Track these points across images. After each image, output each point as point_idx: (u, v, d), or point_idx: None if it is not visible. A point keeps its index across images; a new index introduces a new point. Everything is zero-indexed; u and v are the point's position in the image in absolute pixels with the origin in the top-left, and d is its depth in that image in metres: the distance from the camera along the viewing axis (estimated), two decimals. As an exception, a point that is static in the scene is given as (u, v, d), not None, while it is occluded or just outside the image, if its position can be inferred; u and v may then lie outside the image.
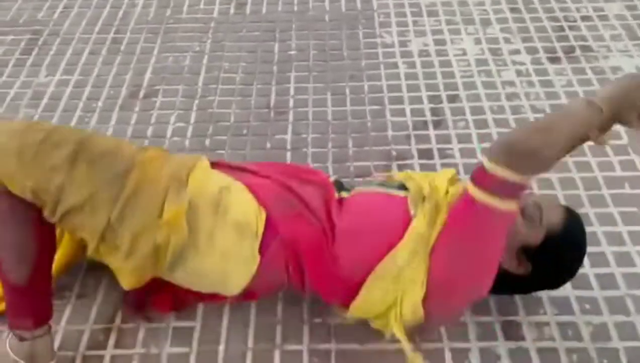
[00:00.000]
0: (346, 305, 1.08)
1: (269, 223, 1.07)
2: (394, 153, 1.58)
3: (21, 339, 1.05)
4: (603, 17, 2.02)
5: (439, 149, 1.59)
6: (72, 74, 1.86)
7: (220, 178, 1.10)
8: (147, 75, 1.86)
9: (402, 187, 1.12)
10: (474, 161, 1.55)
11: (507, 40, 1.95)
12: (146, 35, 2.02)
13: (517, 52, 1.90)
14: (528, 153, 0.93)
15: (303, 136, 1.65)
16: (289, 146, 1.61)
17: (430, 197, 1.06)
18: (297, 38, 2.00)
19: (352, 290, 1.06)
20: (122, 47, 1.96)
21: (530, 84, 1.78)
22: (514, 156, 0.93)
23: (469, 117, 1.68)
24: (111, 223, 1.01)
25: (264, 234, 1.06)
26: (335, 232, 1.07)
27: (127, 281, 1.06)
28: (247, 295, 1.11)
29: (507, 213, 0.96)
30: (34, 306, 1.05)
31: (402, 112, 1.70)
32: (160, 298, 1.18)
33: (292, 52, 1.94)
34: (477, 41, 1.95)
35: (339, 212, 1.09)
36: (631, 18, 2.01)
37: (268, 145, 1.62)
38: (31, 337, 1.05)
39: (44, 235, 1.04)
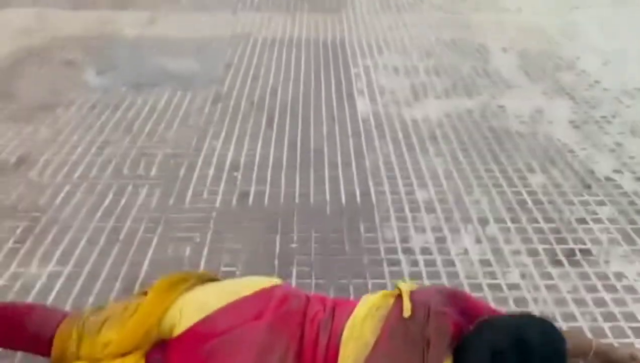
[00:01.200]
0: None
1: None
2: None
3: None
4: (597, 221, 2.08)
5: (451, 361, 1.49)
6: (66, 265, 1.79)
7: None
8: (144, 267, 1.80)
9: None
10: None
11: (507, 241, 1.96)
12: (147, 224, 2.00)
13: (518, 252, 1.91)
14: None
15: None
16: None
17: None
18: (299, 231, 2.01)
19: None
20: (121, 237, 1.93)
21: (536, 288, 1.75)
22: None
23: (478, 323, 1.61)
24: None
25: None
26: None
27: None
28: None
29: None
30: None
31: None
32: None
33: (294, 245, 1.93)
34: (478, 240, 1.96)
35: None
36: (625, 222, 2.07)
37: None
38: None
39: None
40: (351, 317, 1.25)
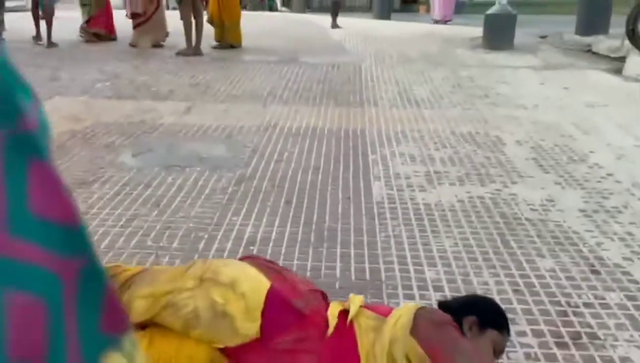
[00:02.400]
0: None
1: None
2: None
3: None
4: (605, 306, 2.09)
5: None
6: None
7: None
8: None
9: None
10: None
11: (512, 322, 1.98)
12: None
13: (523, 334, 1.92)
14: None
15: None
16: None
17: None
18: (308, 304, 2.07)
19: None
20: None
21: (540, 368, 1.75)
22: None
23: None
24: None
25: None
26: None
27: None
28: None
29: None
30: None
31: None
32: None
33: (302, 318, 1.98)
34: (483, 320, 1.99)
35: None
36: (633, 308, 2.07)
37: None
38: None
39: None
40: None
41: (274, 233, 2.60)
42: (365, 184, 3.17)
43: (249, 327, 1.41)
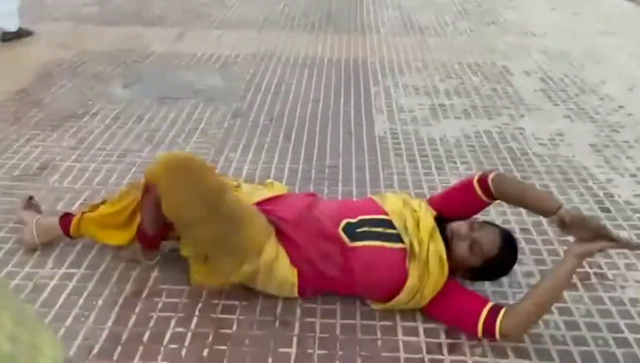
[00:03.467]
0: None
1: (300, 278, 1.65)
2: (406, 380, 1.45)
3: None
4: (614, 245, 2.03)
5: (455, 379, 1.46)
6: (79, 268, 1.83)
7: (274, 248, 1.64)
8: (154, 272, 1.82)
9: (399, 237, 1.63)
10: (494, 396, 1.41)
11: (520, 262, 1.92)
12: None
13: (530, 275, 1.87)
14: (528, 329, 1.58)
15: (309, 352, 1.54)
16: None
17: (419, 256, 1.59)
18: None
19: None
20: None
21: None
22: (519, 331, 1.56)
23: (485, 342, 1.58)
24: (208, 254, 1.66)
25: (298, 286, 1.66)
26: (350, 276, 1.62)
27: (194, 280, 1.73)
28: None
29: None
30: (150, 243, 1.79)
31: (415, 331, 1.61)
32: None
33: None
34: (490, 260, 1.93)
35: (352, 260, 1.62)
36: (642, 247, 2.02)
37: (270, 360, 1.51)
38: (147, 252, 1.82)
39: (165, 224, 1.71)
40: None
41: (273, 170, 2.50)
42: (367, 118, 3.04)
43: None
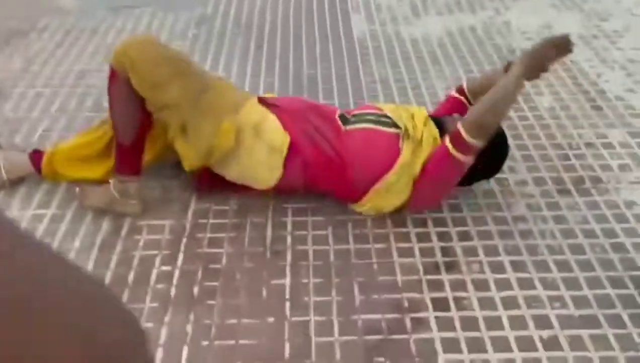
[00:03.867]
0: (351, 201, 1.65)
1: (292, 145, 1.59)
2: (405, 304, 1.42)
3: (120, 181, 1.62)
4: (607, 145, 1.97)
5: (455, 299, 1.43)
6: (49, 208, 1.70)
7: (261, 111, 1.62)
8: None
9: (394, 124, 1.60)
10: (496, 313, 1.40)
11: (512, 170, 1.87)
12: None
13: (524, 183, 1.82)
14: (488, 130, 1.51)
15: (304, 282, 1.49)
16: (287, 295, 1.45)
17: (413, 136, 1.58)
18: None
19: (354, 195, 1.63)
20: (105, 175, 1.83)
21: (543, 219, 1.68)
22: (481, 132, 1.50)
23: (482, 258, 1.55)
24: (187, 122, 1.55)
25: (288, 152, 1.58)
26: (344, 157, 1.59)
27: (187, 164, 1.59)
28: (275, 190, 1.66)
29: (467, 163, 1.53)
30: (132, 161, 1.62)
31: (410, 252, 1.57)
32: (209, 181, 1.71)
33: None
34: (482, 170, 1.86)
35: (347, 141, 1.59)
36: (636, 146, 1.97)
37: (264, 293, 1.45)
38: (127, 180, 1.62)
39: (145, 118, 1.58)
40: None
41: (247, 83, 2.32)
42: (344, 19, 2.82)
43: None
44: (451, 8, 2.92)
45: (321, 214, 1.69)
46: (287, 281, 1.49)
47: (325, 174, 1.60)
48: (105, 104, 2.16)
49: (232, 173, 1.62)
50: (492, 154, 1.62)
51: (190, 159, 1.58)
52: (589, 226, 1.66)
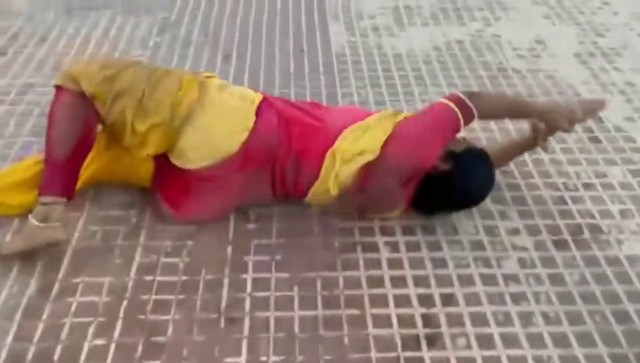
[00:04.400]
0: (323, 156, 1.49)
1: (265, 100, 1.53)
2: (380, 392, 1.22)
3: (43, 204, 1.39)
4: (607, 186, 1.78)
5: (437, 385, 1.24)
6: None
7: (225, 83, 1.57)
8: (66, 258, 1.47)
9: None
10: (483, 404, 1.20)
11: (502, 215, 1.67)
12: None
13: (516, 231, 1.62)
14: (491, 114, 1.61)
15: (262, 360, 1.27)
16: (242, 377, 1.23)
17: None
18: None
19: (329, 142, 1.49)
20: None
21: (538, 279, 1.48)
22: (483, 111, 1.51)
23: (470, 329, 1.35)
24: (144, 95, 1.40)
25: (260, 104, 1.50)
26: (322, 119, 1.54)
27: (151, 143, 1.43)
28: (246, 157, 1.46)
29: (459, 123, 1.48)
30: (63, 179, 1.41)
31: (387, 321, 1.36)
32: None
33: (251, 226, 1.60)
34: (468, 215, 1.66)
35: (325, 111, 1.59)
36: (638, 187, 1.78)
37: (215, 375, 1.24)
38: (52, 202, 1.39)
39: (88, 134, 1.42)
40: (313, 189, 1.52)
41: (210, 104, 2.08)
42: (322, 28, 2.58)
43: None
44: (437, 18, 2.70)
45: (286, 269, 1.47)
46: (243, 358, 1.27)
47: (301, 132, 1.49)
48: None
49: (196, 137, 1.43)
50: (466, 170, 1.50)
51: (153, 134, 1.41)
52: (589, 289, 1.46)
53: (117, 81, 1.40)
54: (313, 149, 1.48)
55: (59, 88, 1.42)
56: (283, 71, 2.27)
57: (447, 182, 1.49)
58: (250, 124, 1.45)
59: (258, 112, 1.47)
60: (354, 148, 1.47)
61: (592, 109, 1.59)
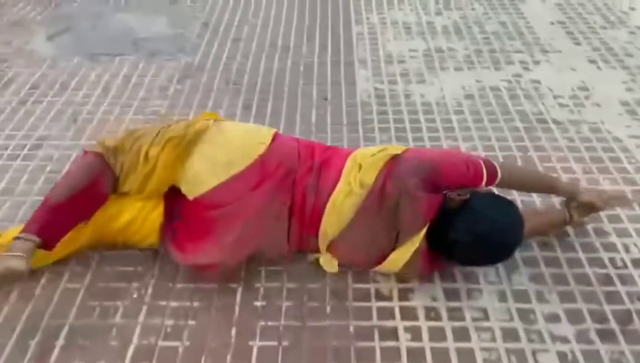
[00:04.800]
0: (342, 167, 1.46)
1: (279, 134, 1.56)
2: None
3: (16, 238, 1.35)
4: (661, 264, 1.58)
5: None
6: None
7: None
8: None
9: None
10: None
11: (539, 297, 1.49)
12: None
13: (555, 318, 1.43)
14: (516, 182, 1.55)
15: None
16: None
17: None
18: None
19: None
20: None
21: (580, 381, 1.30)
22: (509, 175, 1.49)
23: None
24: (160, 130, 1.48)
25: (275, 133, 1.54)
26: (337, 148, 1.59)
27: (161, 170, 1.42)
28: (263, 171, 1.42)
29: (482, 171, 1.44)
30: (45, 221, 1.37)
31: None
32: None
33: (259, 303, 1.48)
34: (502, 296, 1.49)
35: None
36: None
37: None
38: (24, 237, 1.34)
39: (92, 190, 1.41)
40: (335, 192, 1.41)
41: (226, 159, 1.98)
42: (348, 74, 2.47)
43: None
44: (472, 62, 2.55)
45: (294, 357, 1.34)
46: None
47: (322, 151, 1.53)
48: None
49: (211, 149, 1.44)
50: (488, 200, 1.41)
51: (164, 153, 1.42)
52: (641, 396, 1.27)
53: (138, 132, 1.49)
54: (334, 162, 1.47)
55: (85, 152, 1.48)
56: (305, 122, 2.16)
57: (467, 210, 1.37)
58: (268, 140, 1.48)
59: (275, 135, 1.52)
60: (375, 149, 1.47)
61: (613, 204, 1.64)
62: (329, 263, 1.49)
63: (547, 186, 1.59)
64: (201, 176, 1.41)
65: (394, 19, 2.92)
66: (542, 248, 1.63)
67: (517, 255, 1.58)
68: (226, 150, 1.44)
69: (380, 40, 2.72)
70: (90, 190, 1.41)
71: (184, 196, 1.45)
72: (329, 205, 1.40)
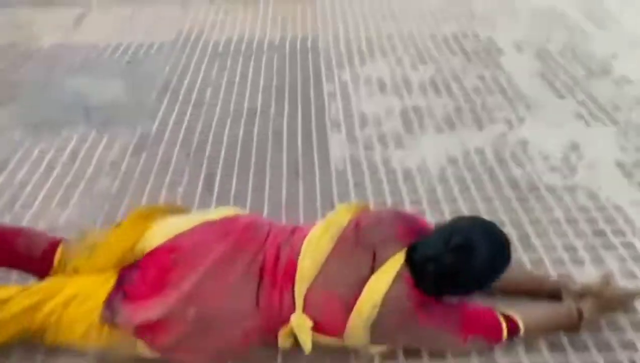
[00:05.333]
0: None
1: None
2: None
3: None
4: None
5: None
6: None
7: None
8: None
9: None
10: None
11: (555, 417, 1.25)
12: None
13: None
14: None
15: None
16: None
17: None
18: None
19: None
20: None
21: None
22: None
23: None
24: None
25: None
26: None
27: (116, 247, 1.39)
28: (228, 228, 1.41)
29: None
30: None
31: None
32: None
33: None
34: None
35: None
36: None
37: None
38: None
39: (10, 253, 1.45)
40: (309, 234, 1.39)
41: (184, 249, 1.73)
42: (320, 141, 2.26)
43: None
44: (452, 122, 2.37)
45: None
46: None
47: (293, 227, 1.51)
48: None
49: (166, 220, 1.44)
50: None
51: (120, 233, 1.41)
52: None
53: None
54: (306, 227, 1.44)
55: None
56: (273, 200, 1.94)
57: (442, 229, 1.38)
58: (235, 211, 1.51)
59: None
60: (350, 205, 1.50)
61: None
62: (302, 327, 1.29)
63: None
64: (172, 223, 1.41)
65: (367, 76, 2.75)
66: (551, 348, 1.40)
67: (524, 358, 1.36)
68: (185, 218, 1.46)
69: (352, 100, 2.54)
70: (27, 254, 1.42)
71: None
72: (305, 244, 1.36)
